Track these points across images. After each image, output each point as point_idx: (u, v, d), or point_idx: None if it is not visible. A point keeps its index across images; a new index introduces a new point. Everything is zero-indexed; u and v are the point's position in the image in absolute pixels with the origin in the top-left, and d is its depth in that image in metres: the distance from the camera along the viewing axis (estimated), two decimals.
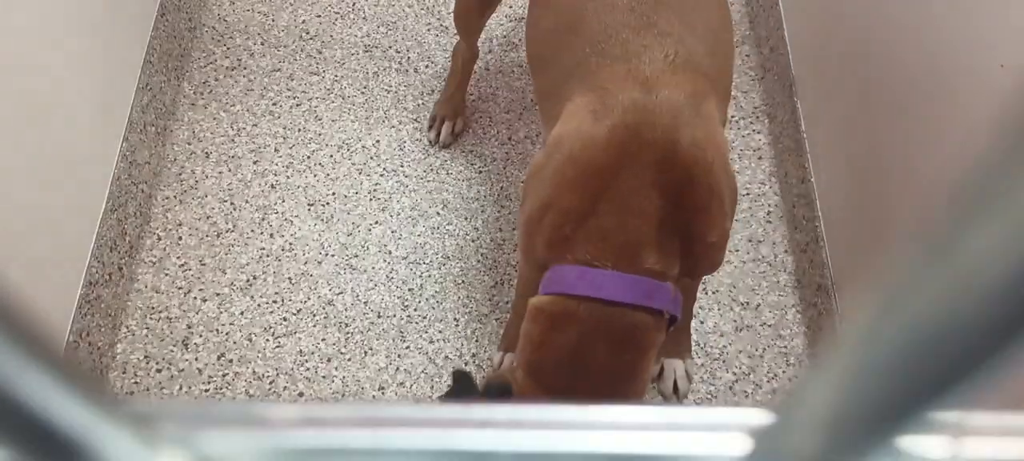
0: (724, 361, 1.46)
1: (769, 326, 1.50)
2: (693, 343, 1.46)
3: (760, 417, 0.22)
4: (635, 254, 0.94)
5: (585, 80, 1.01)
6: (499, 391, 0.97)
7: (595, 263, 0.95)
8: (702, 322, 1.49)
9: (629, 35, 1.00)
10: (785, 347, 1.48)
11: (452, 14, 1.63)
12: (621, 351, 0.96)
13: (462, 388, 0.99)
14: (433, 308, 1.51)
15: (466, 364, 1.46)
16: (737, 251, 1.57)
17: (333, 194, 1.63)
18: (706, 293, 1.52)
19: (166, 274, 1.54)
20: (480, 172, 1.66)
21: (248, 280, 1.53)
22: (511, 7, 1.84)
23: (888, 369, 0.15)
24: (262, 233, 1.58)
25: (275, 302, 1.51)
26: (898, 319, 0.15)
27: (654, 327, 0.97)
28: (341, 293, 1.52)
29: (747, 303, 1.52)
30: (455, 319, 1.50)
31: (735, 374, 1.45)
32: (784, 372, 1.46)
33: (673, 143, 0.94)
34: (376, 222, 1.60)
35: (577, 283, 0.95)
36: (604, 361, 0.96)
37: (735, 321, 1.50)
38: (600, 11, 1.03)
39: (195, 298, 1.51)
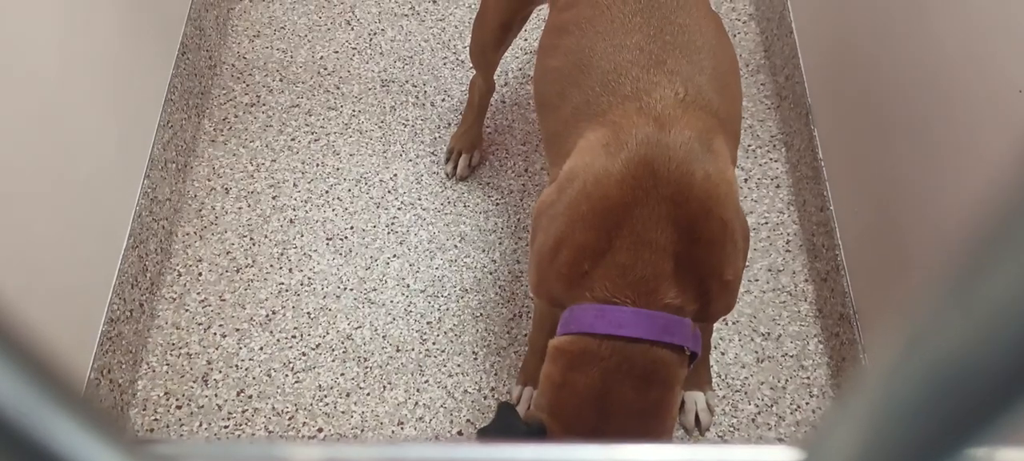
0: (746, 393, 1.44)
1: (791, 357, 1.48)
2: (714, 375, 1.44)
3: (786, 454, 0.22)
4: (654, 289, 0.94)
5: (596, 117, 1.01)
6: (537, 430, 0.96)
7: (614, 300, 0.94)
8: (723, 353, 1.48)
9: (639, 73, 1.00)
10: (808, 378, 1.46)
11: (468, 49, 1.64)
12: (647, 388, 0.95)
13: (504, 420, 0.97)
14: (451, 341, 1.50)
15: (485, 398, 1.45)
16: (756, 280, 1.56)
17: (351, 228, 1.64)
18: (726, 324, 1.51)
19: (186, 310, 1.55)
20: (497, 204, 1.67)
21: (267, 315, 1.54)
22: (526, 40, 1.85)
23: (915, 408, 0.15)
24: (281, 268, 1.59)
25: (294, 337, 1.51)
26: (923, 358, 0.15)
27: (677, 363, 0.96)
28: (360, 327, 1.52)
29: (768, 333, 1.50)
30: (474, 352, 1.49)
31: (757, 406, 1.43)
32: (807, 404, 1.44)
33: (687, 177, 0.94)
34: (394, 256, 1.60)
35: (596, 322, 0.94)
36: (630, 399, 0.95)
37: (756, 352, 1.48)
38: (610, 51, 1.04)
39: (215, 334, 1.52)
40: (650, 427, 0.96)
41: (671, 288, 0.94)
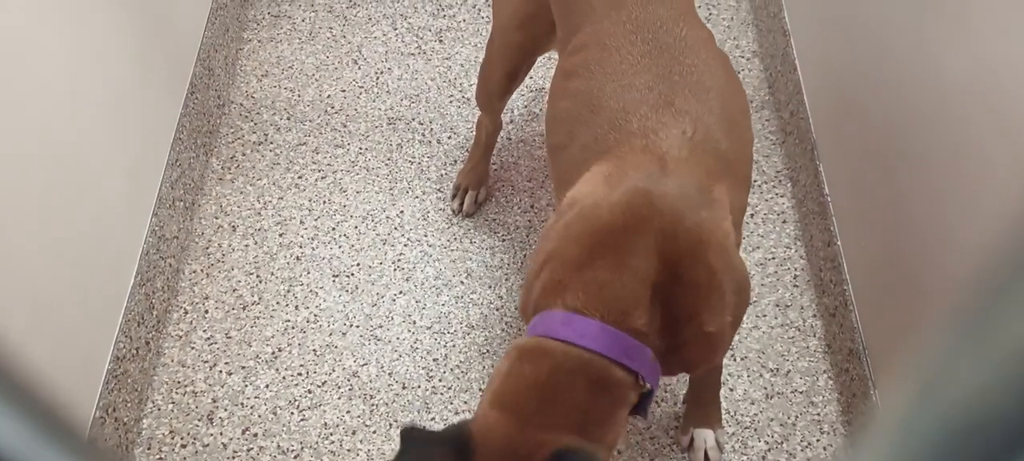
0: (756, 429, 1.43)
1: (801, 393, 1.47)
2: (723, 411, 1.43)
3: None
4: (626, 311, 0.93)
5: (602, 153, 1.02)
6: (455, 438, 0.90)
7: (583, 311, 0.93)
8: (732, 389, 1.47)
9: (647, 112, 1.01)
10: (818, 415, 1.44)
11: (474, 93, 1.65)
12: (598, 394, 0.92)
13: (412, 447, 0.89)
14: (458, 378, 1.49)
15: None
16: (764, 316, 1.55)
17: (358, 265, 1.64)
18: (735, 360, 1.50)
19: (192, 348, 1.54)
20: (503, 240, 1.67)
21: (273, 353, 1.53)
22: (532, 79, 1.87)
23: (929, 454, 0.15)
24: (287, 305, 1.59)
25: (300, 375, 1.51)
26: (936, 403, 0.14)
27: (630, 386, 0.94)
28: (366, 364, 1.51)
29: (777, 369, 1.49)
30: (480, 389, 1.48)
31: (767, 443, 1.42)
32: (818, 440, 1.42)
33: (680, 215, 0.94)
34: (400, 292, 1.60)
35: (561, 328, 0.93)
36: (578, 398, 0.91)
37: (765, 388, 1.47)
38: (619, 91, 1.04)
39: (221, 372, 1.51)
40: (592, 432, 0.91)
41: (643, 314, 0.93)
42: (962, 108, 1.12)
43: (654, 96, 1.02)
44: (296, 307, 1.59)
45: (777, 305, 1.56)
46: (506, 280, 1.61)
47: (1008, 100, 1.01)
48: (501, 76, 1.46)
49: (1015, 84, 1.00)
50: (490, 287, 1.60)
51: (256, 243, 1.68)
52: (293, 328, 1.56)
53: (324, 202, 1.73)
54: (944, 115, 1.17)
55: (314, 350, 1.53)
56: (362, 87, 1.92)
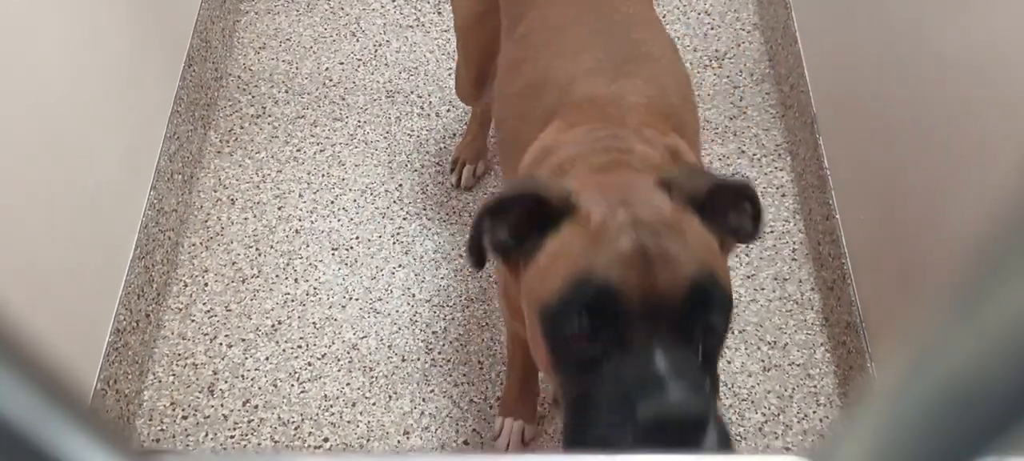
0: (753, 402, 1.44)
1: (798, 365, 1.48)
2: (720, 384, 1.44)
3: None
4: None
5: (554, 118, 1.00)
6: (563, 193, 0.81)
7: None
8: (729, 362, 1.47)
9: (596, 78, 1.00)
10: (815, 387, 1.45)
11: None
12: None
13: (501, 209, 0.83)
14: (457, 351, 1.50)
15: (491, 408, 1.44)
16: (763, 289, 1.55)
17: (357, 238, 1.64)
18: (733, 333, 1.50)
19: (192, 320, 1.55)
20: None
21: (273, 325, 1.54)
22: None
23: (924, 421, 0.15)
24: (287, 278, 1.59)
25: (300, 347, 1.51)
26: (931, 374, 0.15)
27: None
28: (365, 337, 1.52)
29: (774, 342, 1.50)
30: (479, 362, 1.49)
31: (764, 415, 1.43)
32: (814, 412, 1.43)
33: (655, 137, 0.94)
34: (400, 265, 1.60)
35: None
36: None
37: (763, 361, 1.48)
38: (568, 66, 1.04)
39: (221, 344, 1.52)
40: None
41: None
42: (962, 83, 1.12)
43: (605, 65, 1.02)
44: (295, 280, 1.59)
45: (775, 278, 1.57)
46: None
47: (1008, 74, 1.01)
48: (469, 80, 1.46)
49: (1015, 57, 1.00)
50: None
51: (255, 216, 1.68)
52: (293, 301, 1.57)
53: (323, 175, 1.73)
54: (944, 89, 1.17)
55: (314, 323, 1.54)
56: (360, 59, 1.91)
